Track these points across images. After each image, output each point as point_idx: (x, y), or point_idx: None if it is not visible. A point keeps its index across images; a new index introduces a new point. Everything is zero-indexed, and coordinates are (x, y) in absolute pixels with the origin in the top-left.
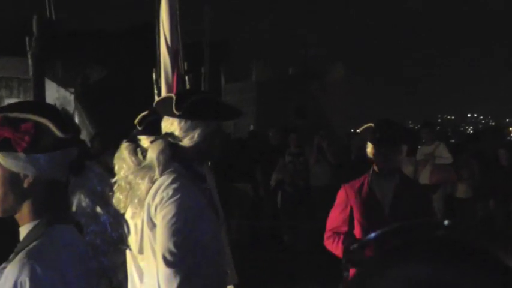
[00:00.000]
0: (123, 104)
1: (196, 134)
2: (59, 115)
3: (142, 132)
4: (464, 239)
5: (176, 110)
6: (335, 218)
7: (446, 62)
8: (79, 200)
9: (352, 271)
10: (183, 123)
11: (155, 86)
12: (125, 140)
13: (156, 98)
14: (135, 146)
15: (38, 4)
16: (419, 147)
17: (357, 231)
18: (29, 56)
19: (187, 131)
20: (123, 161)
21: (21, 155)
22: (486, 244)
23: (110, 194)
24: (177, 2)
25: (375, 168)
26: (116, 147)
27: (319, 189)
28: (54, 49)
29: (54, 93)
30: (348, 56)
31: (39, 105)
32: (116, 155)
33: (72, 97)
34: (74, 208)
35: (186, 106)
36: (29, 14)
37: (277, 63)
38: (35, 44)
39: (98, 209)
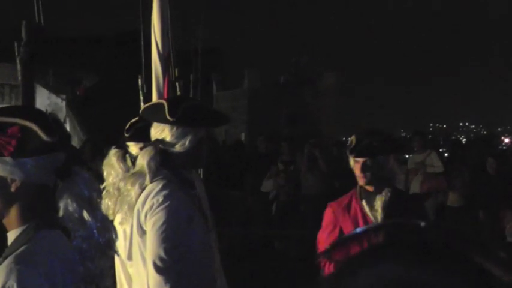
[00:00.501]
0: (114, 110)
1: (187, 141)
2: (45, 119)
3: (130, 139)
4: (439, 240)
5: (170, 116)
6: (324, 241)
7: (439, 70)
8: (66, 205)
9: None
10: (174, 129)
11: (141, 92)
12: (113, 147)
13: (142, 105)
14: (124, 152)
15: (28, 9)
16: (409, 156)
17: None
18: (17, 61)
19: (178, 137)
20: (111, 167)
21: (8, 159)
22: (461, 246)
23: (98, 199)
24: (167, 9)
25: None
26: (106, 153)
27: (310, 198)
28: (43, 55)
29: (45, 100)
30: (342, 60)
31: (25, 109)
32: (105, 162)
33: (63, 103)
34: (61, 213)
35: (180, 113)
36: (20, 20)
37: (269, 70)
38: (23, 50)
39: (85, 214)
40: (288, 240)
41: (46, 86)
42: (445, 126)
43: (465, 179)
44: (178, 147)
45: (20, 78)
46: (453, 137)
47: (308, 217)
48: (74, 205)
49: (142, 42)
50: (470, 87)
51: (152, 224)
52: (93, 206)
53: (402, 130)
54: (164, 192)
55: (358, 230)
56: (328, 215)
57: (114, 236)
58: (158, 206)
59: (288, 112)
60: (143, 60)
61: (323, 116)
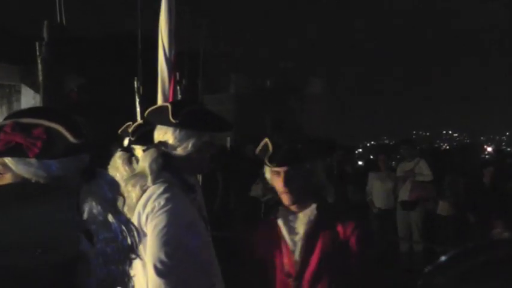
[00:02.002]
0: (103, 112)
1: (190, 144)
2: (71, 120)
3: (137, 142)
4: None
5: (173, 118)
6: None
7: (423, 78)
8: (90, 208)
9: None
10: (177, 132)
11: (137, 95)
12: (119, 149)
13: (138, 107)
14: (130, 155)
15: (43, 10)
16: (393, 163)
17: None
18: (39, 61)
19: (181, 140)
20: (116, 170)
21: (33, 160)
22: None
23: (121, 202)
24: (174, 13)
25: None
26: (97, 156)
27: None
28: (66, 54)
29: (30, 100)
30: (328, 66)
31: (51, 110)
32: (110, 164)
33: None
34: (85, 215)
35: (183, 115)
36: (38, 20)
37: (256, 75)
38: (45, 49)
39: (110, 217)
40: None
41: (32, 86)
42: (428, 133)
43: (457, 188)
44: (180, 150)
45: (41, 78)
46: (436, 145)
47: None
48: (99, 208)
49: (139, 45)
50: (454, 95)
51: (153, 227)
52: (117, 208)
53: (385, 137)
54: (166, 195)
55: (458, 250)
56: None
57: (137, 239)
58: (159, 209)
59: (274, 117)
60: (140, 62)
61: (308, 121)
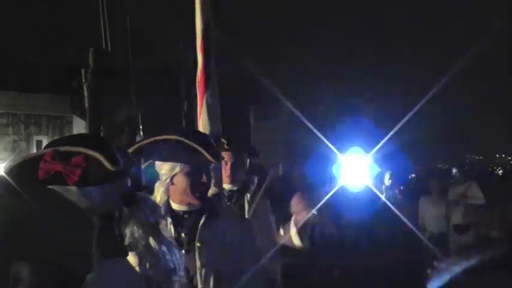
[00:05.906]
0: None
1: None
2: (110, 148)
3: None
4: None
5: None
6: None
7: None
8: (132, 232)
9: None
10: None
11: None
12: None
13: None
14: None
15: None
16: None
17: None
18: (84, 88)
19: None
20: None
21: (73, 188)
22: None
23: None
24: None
25: None
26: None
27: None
28: (110, 82)
29: (82, 131)
30: (379, 91)
31: (89, 138)
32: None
33: (101, 135)
34: (127, 240)
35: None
36: (82, 49)
37: (307, 101)
38: (91, 77)
39: (151, 241)
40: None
41: (82, 116)
42: (481, 157)
43: (508, 211)
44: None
45: (86, 105)
46: (490, 169)
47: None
48: (140, 232)
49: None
50: (507, 118)
51: None
52: (158, 231)
53: (439, 161)
54: None
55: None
56: None
57: (179, 261)
58: None
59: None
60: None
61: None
